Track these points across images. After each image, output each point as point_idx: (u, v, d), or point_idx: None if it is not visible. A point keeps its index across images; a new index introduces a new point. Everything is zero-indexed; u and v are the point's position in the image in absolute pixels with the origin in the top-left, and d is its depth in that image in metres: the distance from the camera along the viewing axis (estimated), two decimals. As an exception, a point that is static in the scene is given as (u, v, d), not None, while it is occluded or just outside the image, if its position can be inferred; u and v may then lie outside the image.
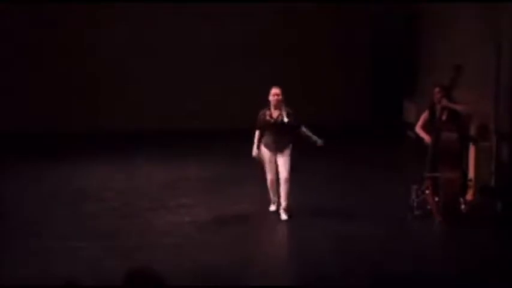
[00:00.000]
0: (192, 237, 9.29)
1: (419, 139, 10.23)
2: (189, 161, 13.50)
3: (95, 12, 16.32)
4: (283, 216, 9.93)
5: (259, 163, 10.06)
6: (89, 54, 16.39)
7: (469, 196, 10.34)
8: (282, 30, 16.77)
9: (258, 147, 9.91)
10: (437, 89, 9.96)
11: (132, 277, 4.30)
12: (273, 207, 10.22)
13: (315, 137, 9.77)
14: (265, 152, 9.90)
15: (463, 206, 9.97)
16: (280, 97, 9.71)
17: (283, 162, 9.81)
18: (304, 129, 9.82)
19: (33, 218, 10.02)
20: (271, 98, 9.74)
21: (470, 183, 10.41)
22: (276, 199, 10.14)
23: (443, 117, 9.90)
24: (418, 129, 10.20)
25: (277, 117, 9.73)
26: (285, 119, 9.64)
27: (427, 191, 9.91)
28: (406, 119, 16.17)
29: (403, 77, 16.35)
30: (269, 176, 9.99)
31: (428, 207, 9.90)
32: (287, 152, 9.83)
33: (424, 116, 10.18)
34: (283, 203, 9.94)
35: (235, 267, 8.23)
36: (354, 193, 11.30)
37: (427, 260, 8.62)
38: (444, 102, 9.85)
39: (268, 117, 9.76)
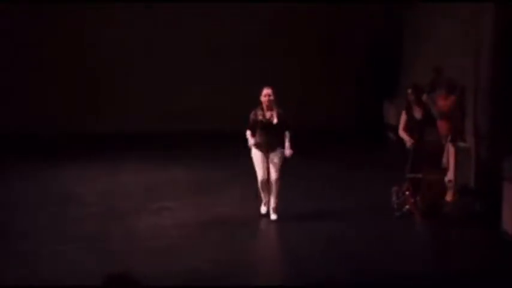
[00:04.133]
0: (178, 240, 9.19)
1: (400, 141, 10.18)
2: (186, 162, 13.43)
3: (95, 12, 16.33)
4: (273, 216, 9.84)
5: (249, 164, 9.94)
6: (89, 54, 16.39)
7: (449, 197, 10.37)
8: (282, 30, 16.78)
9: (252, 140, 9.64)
10: (409, 90, 10.04)
11: (110, 282, 4.31)
12: (264, 209, 9.99)
13: (286, 147, 9.57)
14: (256, 153, 9.75)
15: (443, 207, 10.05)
16: (272, 97, 9.64)
17: (274, 162, 9.70)
18: (288, 135, 9.66)
19: (22, 219, 9.94)
20: (262, 98, 9.67)
21: (450, 184, 10.42)
22: (267, 199, 9.91)
23: (419, 117, 9.93)
24: (401, 133, 10.07)
25: (270, 117, 9.67)
26: (275, 120, 9.61)
27: (407, 192, 9.94)
28: (387, 120, 16.15)
29: (386, 78, 16.34)
30: (260, 177, 9.77)
31: (407, 207, 9.94)
32: (278, 151, 9.70)
33: (403, 118, 10.09)
34: (273, 204, 9.84)
35: (221, 270, 8.14)
36: (352, 193, 11.30)
37: (425, 260, 8.64)
38: (424, 97, 10.03)
39: (260, 117, 9.67)
